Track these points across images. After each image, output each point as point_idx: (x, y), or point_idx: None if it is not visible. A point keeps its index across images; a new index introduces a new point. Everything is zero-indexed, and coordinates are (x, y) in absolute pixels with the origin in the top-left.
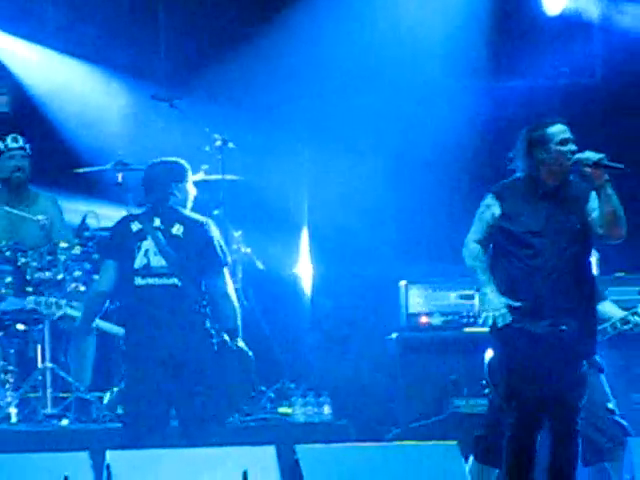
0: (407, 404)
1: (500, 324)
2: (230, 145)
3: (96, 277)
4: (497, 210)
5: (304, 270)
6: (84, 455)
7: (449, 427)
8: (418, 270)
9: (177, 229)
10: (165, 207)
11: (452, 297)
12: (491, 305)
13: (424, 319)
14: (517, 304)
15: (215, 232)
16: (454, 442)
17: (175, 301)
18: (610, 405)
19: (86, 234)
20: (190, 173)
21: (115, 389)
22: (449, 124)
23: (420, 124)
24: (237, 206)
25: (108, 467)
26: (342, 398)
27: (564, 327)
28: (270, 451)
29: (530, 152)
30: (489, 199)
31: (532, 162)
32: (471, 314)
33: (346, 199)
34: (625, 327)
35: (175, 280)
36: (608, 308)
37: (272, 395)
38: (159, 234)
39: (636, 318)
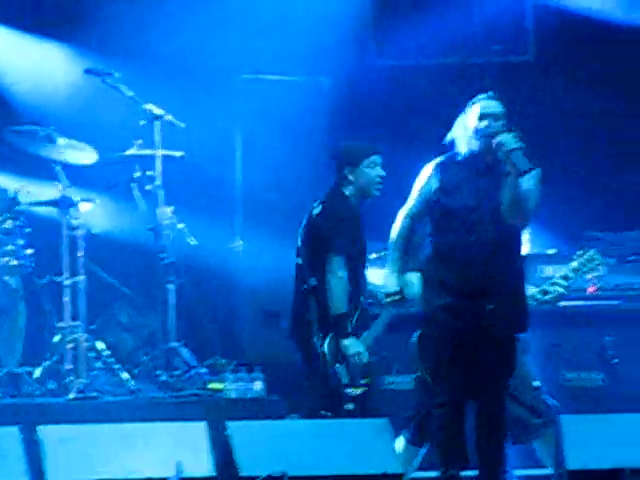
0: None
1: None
2: (167, 118)
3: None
4: (435, 183)
5: (238, 246)
6: (14, 430)
7: (380, 404)
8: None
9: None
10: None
11: (381, 274)
12: (388, 289)
13: None
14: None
15: None
16: (385, 419)
17: None
18: (535, 383)
19: (17, 208)
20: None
21: (47, 363)
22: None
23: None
24: (170, 181)
25: (38, 442)
26: (274, 374)
27: (491, 306)
28: (201, 427)
29: (465, 126)
30: (428, 172)
31: (466, 137)
32: None
33: (280, 175)
34: (546, 297)
35: None
36: None
37: (204, 370)
38: None
39: (556, 288)
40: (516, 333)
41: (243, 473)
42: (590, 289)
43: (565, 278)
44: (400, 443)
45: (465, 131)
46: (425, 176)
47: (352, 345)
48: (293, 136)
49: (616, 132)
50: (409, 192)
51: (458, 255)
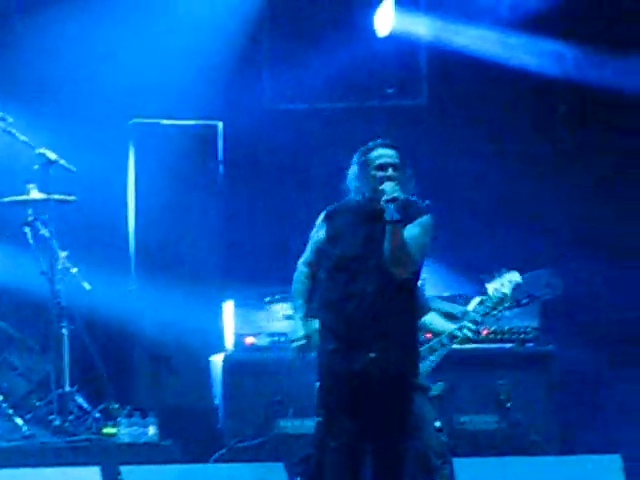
0: (233, 425)
1: (296, 355)
2: (61, 162)
3: None
4: (322, 232)
5: (132, 290)
6: None
7: (275, 448)
8: (244, 290)
9: None
10: None
11: (278, 318)
12: (293, 335)
13: (249, 340)
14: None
15: None
16: (279, 463)
17: None
18: (437, 424)
19: None
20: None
21: None
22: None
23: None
24: (64, 226)
25: None
26: (168, 418)
27: (373, 355)
28: (95, 472)
29: (357, 172)
30: (320, 219)
31: (359, 184)
32: None
33: (173, 218)
34: (454, 342)
35: None
36: (436, 320)
37: (97, 415)
38: None
39: (464, 332)
40: (408, 378)
41: None
42: (484, 332)
43: (474, 322)
44: None
45: (359, 178)
46: (317, 223)
47: None
48: (186, 180)
49: (507, 172)
50: (305, 237)
51: (342, 304)
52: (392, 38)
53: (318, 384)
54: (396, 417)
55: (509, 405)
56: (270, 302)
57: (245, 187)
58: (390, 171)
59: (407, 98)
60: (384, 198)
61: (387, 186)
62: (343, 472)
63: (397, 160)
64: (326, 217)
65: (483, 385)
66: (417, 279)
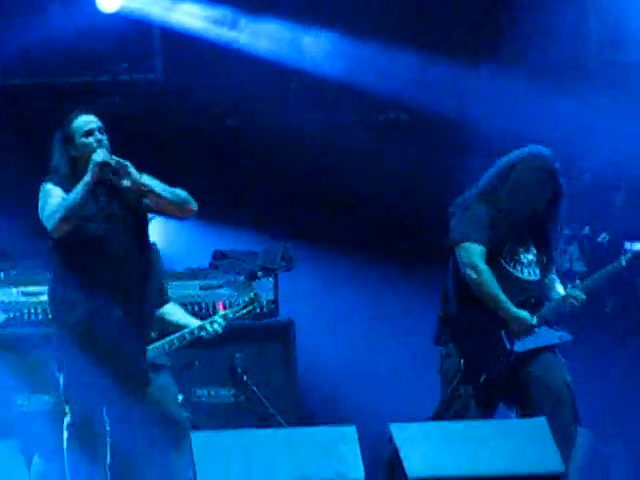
0: None
1: None
2: None
3: None
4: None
5: None
6: None
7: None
8: None
9: None
10: None
11: (14, 293)
12: None
13: None
14: None
15: None
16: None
17: None
18: (180, 397)
19: None
20: None
21: None
22: None
23: None
24: None
25: None
26: None
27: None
28: None
29: (63, 150)
30: (48, 186)
31: (67, 160)
32: (32, 311)
33: None
34: (203, 334)
35: None
36: (177, 312)
37: None
38: None
39: (215, 327)
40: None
41: None
42: (220, 307)
43: (224, 317)
44: None
45: (75, 150)
46: (48, 189)
47: None
48: None
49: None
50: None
51: (90, 271)
52: (123, 15)
53: None
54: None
55: (245, 378)
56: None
57: None
58: (98, 134)
59: (140, 72)
60: (93, 165)
61: (96, 156)
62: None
63: (100, 123)
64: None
65: (220, 360)
66: None
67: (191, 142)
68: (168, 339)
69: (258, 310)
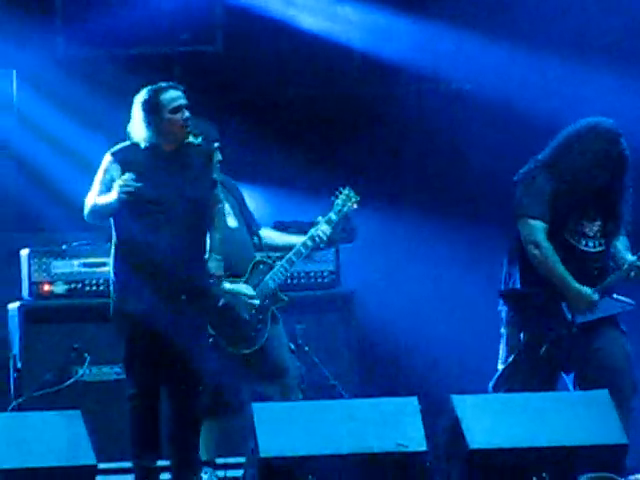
0: (31, 374)
1: None
2: None
3: None
4: (117, 175)
5: None
6: None
7: (73, 395)
8: (40, 238)
9: None
10: None
11: (75, 265)
12: None
13: (46, 287)
14: None
15: None
16: (77, 410)
17: None
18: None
19: None
20: None
21: None
22: None
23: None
24: None
25: None
26: None
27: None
28: None
29: (146, 119)
30: (108, 163)
31: (149, 129)
32: (94, 282)
33: None
34: (317, 244)
35: None
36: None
37: None
38: None
39: (319, 233)
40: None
41: None
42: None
43: (329, 222)
44: None
45: (160, 123)
46: (106, 167)
47: None
48: None
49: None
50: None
51: (148, 251)
52: None
53: None
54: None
55: (307, 349)
56: (66, 250)
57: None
58: (187, 113)
59: (202, 44)
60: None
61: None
62: (143, 418)
63: (187, 101)
64: (116, 160)
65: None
66: None
67: (252, 112)
68: (286, 258)
69: (353, 201)
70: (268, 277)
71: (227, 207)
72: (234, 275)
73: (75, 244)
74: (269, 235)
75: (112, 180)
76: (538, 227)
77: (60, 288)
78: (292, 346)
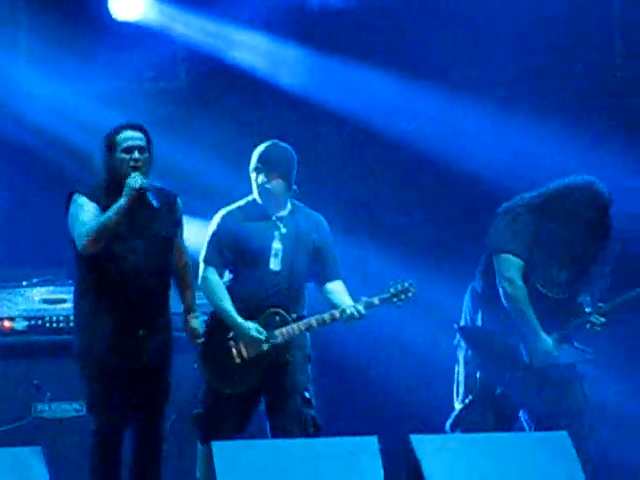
0: None
1: None
2: None
3: None
4: (94, 205)
5: None
6: None
7: (32, 432)
8: (1, 274)
9: None
10: None
11: (36, 301)
12: None
13: (7, 324)
14: None
15: None
16: (37, 447)
17: None
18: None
19: None
20: None
21: None
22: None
23: None
24: None
25: None
26: None
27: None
28: None
29: (106, 156)
30: (81, 199)
31: (107, 167)
32: (54, 319)
33: None
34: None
35: None
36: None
37: None
38: None
39: (354, 311)
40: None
41: None
42: None
43: (368, 305)
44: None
45: (112, 162)
46: (80, 202)
47: None
48: None
49: None
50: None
51: (118, 288)
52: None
53: None
54: (161, 394)
55: None
56: (28, 286)
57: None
58: (136, 154)
59: (166, 81)
60: (129, 190)
61: (131, 180)
62: (107, 450)
63: (144, 142)
64: (88, 198)
65: None
66: None
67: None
68: (305, 321)
69: (410, 295)
70: (278, 332)
71: (275, 246)
72: (250, 317)
73: (36, 280)
74: (337, 289)
75: (96, 208)
76: (516, 264)
77: (20, 324)
78: (307, 395)
